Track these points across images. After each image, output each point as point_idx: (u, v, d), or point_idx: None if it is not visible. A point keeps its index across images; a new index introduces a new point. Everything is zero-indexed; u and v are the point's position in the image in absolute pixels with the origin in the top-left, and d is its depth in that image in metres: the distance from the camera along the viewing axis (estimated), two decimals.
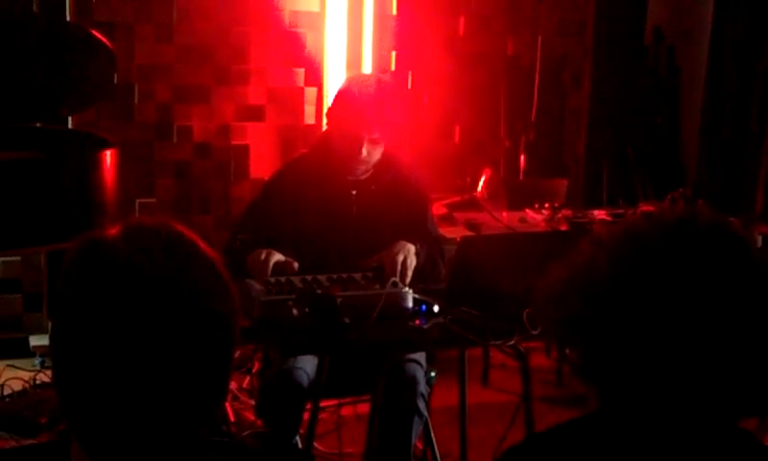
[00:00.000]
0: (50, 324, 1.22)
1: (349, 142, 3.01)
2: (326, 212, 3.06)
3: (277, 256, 2.86)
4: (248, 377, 4.10)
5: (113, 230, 1.18)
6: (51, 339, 1.19)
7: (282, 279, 2.80)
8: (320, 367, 2.85)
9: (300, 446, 3.04)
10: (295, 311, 2.59)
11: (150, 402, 1.13)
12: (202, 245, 1.21)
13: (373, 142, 3.01)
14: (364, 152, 3.01)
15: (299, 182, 3.09)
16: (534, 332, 2.57)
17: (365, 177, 3.13)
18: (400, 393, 2.92)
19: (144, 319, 1.11)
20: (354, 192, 3.11)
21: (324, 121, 4.88)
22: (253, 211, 3.17)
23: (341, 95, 3.07)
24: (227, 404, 3.63)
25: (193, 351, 1.14)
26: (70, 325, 1.15)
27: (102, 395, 1.13)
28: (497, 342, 2.70)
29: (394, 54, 5.20)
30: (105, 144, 3.71)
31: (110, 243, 1.16)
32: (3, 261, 4.41)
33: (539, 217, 4.50)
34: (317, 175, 3.09)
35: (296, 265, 2.87)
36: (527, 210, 4.60)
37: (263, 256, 2.83)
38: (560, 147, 5.83)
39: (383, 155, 3.09)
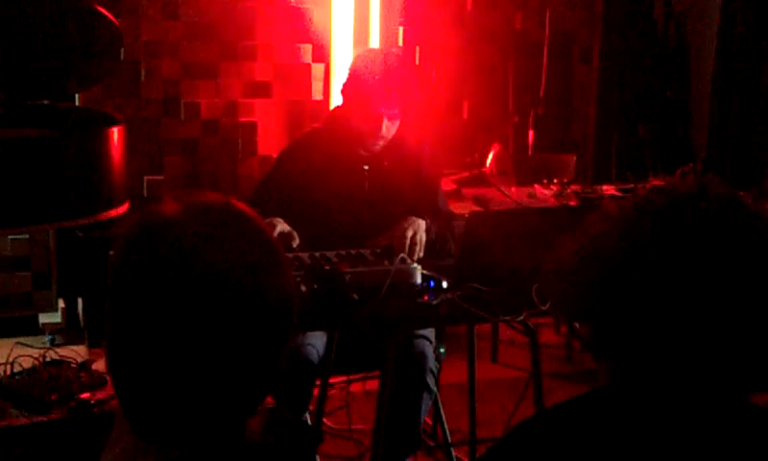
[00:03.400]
0: (106, 300, 1.18)
1: (369, 119, 2.99)
2: (339, 187, 3.06)
3: (281, 227, 2.86)
4: None
5: (175, 207, 1.15)
6: (107, 315, 1.17)
7: (290, 255, 2.80)
8: (329, 343, 2.86)
9: (309, 422, 3.05)
10: (303, 287, 2.59)
11: (202, 386, 1.12)
12: (264, 228, 1.20)
13: (391, 118, 3.01)
14: (383, 128, 3.00)
15: (311, 156, 3.09)
16: (543, 308, 2.56)
17: (377, 152, 3.12)
18: (409, 369, 2.93)
19: (203, 303, 1.10)
20: (366, 167, 3.10)
21: (333, 97, 4.91)
22: (266, 184, 3.17)
23: (357, 71, 3.05)
24: None
25: (247, 341, 1.13)
26: (123, 304, 1.14)
27: (156, 374, 1.12)
28: (506, 318, 2.70)
29: (401, 29, 5.17)
30: (112, 121, 3.70)
31: (174, 223, 1.14)
32: (11, 239, 4.42)
33: (547, 192, 4.49)
34: (330, 150, 3.09)
35: (296, 241, 2.87)
36: (536, 186, 4.59)
37: None
38: (569, 122, 5.80)
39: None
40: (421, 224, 2.97)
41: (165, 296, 1.11)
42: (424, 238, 2.96)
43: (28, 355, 3.07)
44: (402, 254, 2.81)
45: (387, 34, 5.08)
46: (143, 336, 1.12)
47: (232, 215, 1.18)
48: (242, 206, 1.20)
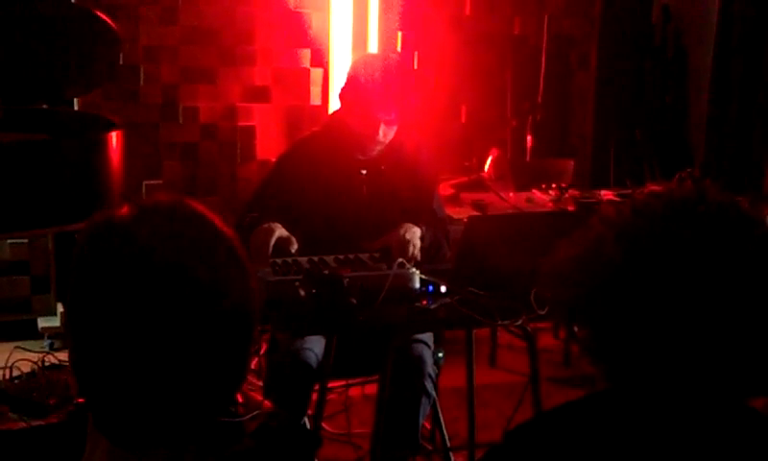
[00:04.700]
0: (65, 303, 1.20)
1: (366, 124, 3.00)
2: (336, 191, 3.06)
3: (279, 232, 2.86)
4: (255, 358, 4.11)
5: (127, 211, 1.16)
6: (66, 319, 1.19)
7: (289, 259, 2.80)
8: (327, 348, 2.85)
9: (308, 426, 3.05)
10: (302, 292, 2.59)
11: (166, 385, 1.12)
12: (219, 225, 1.20)
13: (389, 123, 3.01)
14: (380, 134, 3.01)
15: (310, 160, 3.09)
16: (541, 312, 2.56)
17: (375, 157, 3.12)
18: (408, 373, 2.93)
19: (158, 304, 1.10)
20: (364, 172, 3.11)
21: (331, 102, 4.91)
22: (264, 187, 3.17)
23: (355, 77, 3.05)
24: None
25: (209, 337, 1.13)
26: (83, 306, 1.14)
27: (116, 376, 1.13)
28: (505, 322, 2.70)
29: (400, 34, 5.18)
30: (110, 126, 3.70)
31: (124, 225, 1.14)
32: (10, 243, 4.42)
33: (545, 197, 4.49)
34: (328, 154, 3.09)
35: (295, 246, 2.87)
36: (534, 191, 4.59)
37: (264, 234, 2.83)
38: (567, 127, 5.81)
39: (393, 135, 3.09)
40: (416, 231, 2.97)
41: (123, 293, 1.11)
42: (419, 245, 2.96)
43: (27, 360, 3.08)
44: (401, 259, 2.81)
45: (386, 38, 5.09)
46: (104, 334, 1.13)
47: (185, 212, 1.19)
48: (195, 204, 1.22)
